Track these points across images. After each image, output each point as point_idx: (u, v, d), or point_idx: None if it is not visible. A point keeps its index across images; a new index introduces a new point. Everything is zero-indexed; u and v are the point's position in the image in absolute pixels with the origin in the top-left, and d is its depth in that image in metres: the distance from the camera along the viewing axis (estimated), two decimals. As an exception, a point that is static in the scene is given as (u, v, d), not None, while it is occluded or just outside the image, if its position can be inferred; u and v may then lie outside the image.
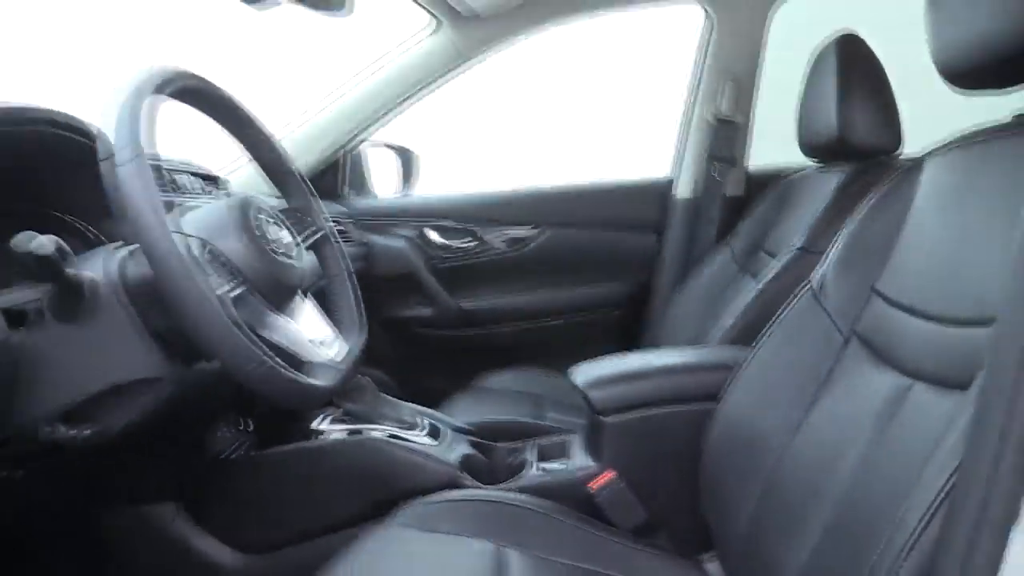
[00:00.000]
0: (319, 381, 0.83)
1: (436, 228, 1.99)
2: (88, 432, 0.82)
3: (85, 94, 1.08)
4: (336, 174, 1.98)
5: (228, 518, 1.20)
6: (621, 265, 1.98)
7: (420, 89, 1.84)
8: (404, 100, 1.85)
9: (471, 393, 1.73)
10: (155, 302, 0.79)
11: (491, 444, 1.35)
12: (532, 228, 1.98)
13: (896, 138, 1.36)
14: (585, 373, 1.22)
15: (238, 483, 1.21)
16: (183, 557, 1.19)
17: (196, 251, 0.76)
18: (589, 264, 1.99)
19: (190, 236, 0.76)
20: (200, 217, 0.84)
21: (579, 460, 1.19)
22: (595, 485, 1.12)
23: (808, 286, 1.02)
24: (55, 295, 0.78)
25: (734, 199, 1.87)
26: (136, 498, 1.17)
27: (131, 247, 0.88)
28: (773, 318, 1.05)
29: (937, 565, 0.54)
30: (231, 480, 1.21)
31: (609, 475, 1.12)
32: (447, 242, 1.99)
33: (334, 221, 1.39)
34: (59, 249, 0.72)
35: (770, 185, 1.72)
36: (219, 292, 0.77)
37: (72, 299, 0.77)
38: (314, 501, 1.17)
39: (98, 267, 0.82)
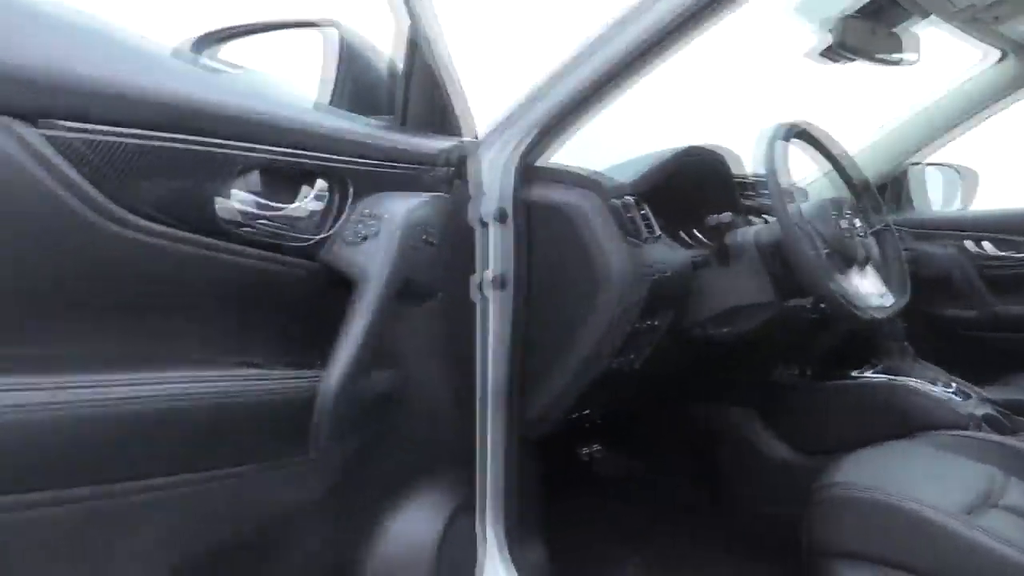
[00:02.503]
0: (872, 314, 1.29)
1: (990, 240, 2.20)
2: (724, 331, 1.41)
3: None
4: (892, 189, 2.34)
5: (789, 426, 1.71)
6: None
7: (975, 114, 2.09)
8: (958, 124, 2.13)
9: (1001, 382, 1.93)
10: (774, 256, 1.34)
11: (1011, 415, 1.59)
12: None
13: None
14: None
15: (798, 402, 1.72)
16: (754, 449, 1.74)
17: (803, 227, 1.28)
18: None
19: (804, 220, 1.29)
20: (808, 208, 1.37)
21: None
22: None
23: None
24: (720, 249, 1.38)
25: None
26: (727, 399, 1.76)
27: (757, 227, 1.45)
28: None
29: None
30: (794, 400, 1.73)
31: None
32: (998, 252, 2.18)
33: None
34: (727, 222, 1.32)
35: None
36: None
37: (730, 252, 1.37)
38: (851, 422, 1.60)
39: (740, 235, 1.40)
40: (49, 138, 0.56)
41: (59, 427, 0.55)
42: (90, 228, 0.59)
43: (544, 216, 1.30)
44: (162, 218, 0.64)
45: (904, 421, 1.54)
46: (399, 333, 0.86)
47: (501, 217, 1.27)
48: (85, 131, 0.58)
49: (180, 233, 0.65)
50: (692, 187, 1.52)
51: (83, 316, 0.60)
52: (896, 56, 1.68)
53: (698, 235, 1.54)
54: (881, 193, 2.27)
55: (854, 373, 1.70)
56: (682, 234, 1.57)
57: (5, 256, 0.55)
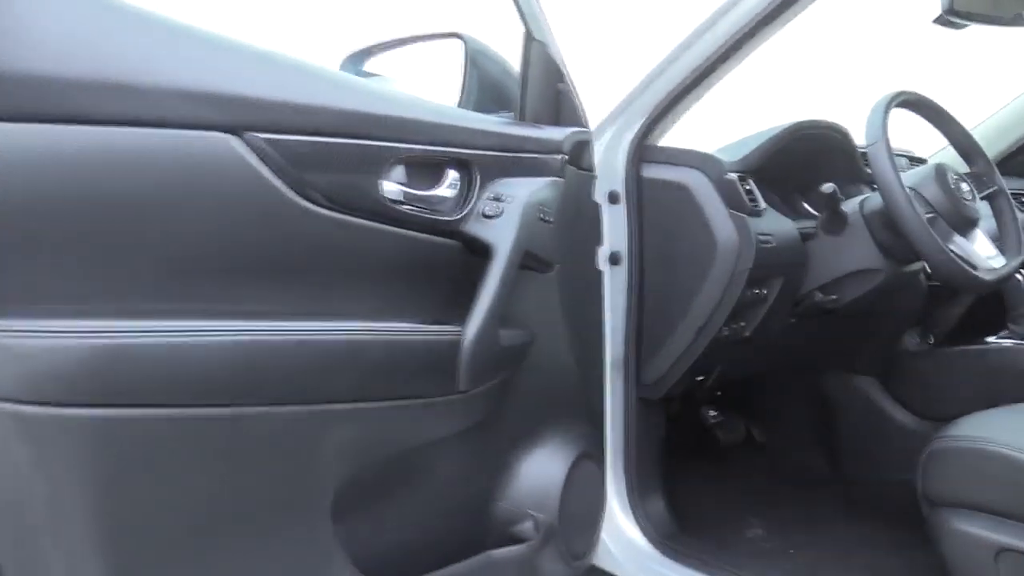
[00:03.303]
0: (981, 275, 1.32)
1: None
2: (834, 298, 1.47)
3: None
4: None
5: (913, 393, 1.73)
6: None
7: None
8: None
9: None
10: (881, 224, 1.39)
11: None
12: None
13: None
14: None
15: (923, 369, 1.74)
16: (877, 416, 1.77)
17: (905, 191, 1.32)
18: None
19: (907, 186, 1.33)
20: (913, 174, 1.41)
21: None
22: None
23: None
24: (827, 219, 1.44)
25: None
26: (849, 368, 1.80)
27: (864, 196, 1.49)
28: None
29: None
30: (918, 366, 1.75)
31: None
32: None
33: (1018, 191, 1.78)
34: (830, 193, 1.38)
35: None
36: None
37: (837, 221, 1.43)
38: (978, 387, 1.61)
39: (847, 204, 1.46)
40: (249, 145, 0.74)
41: (269, 360, 0.73)
42: (281, 215, 0.77)
43: (657, 194, 1.41)
44: (333, 205, 0.81)
45: None
46: (524, 298, 1.00)
47: (612, 199, 1.39)
48: (274, 139, 0.76)
49: (347, 217, 0.82)
50: (810, 160, 1.59)
51: (279, 281, 0.78)
52: (1012, 16, 1.66)
53: (806, 207, 1.61)
54: (1012, 160, 2.22)
55: (989, 339, 1.71)
56: (805, 205, 1.63)
57: (223, 236, 0.74)
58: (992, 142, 2.22)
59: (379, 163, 0.85)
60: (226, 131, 0.72)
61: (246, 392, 0.71)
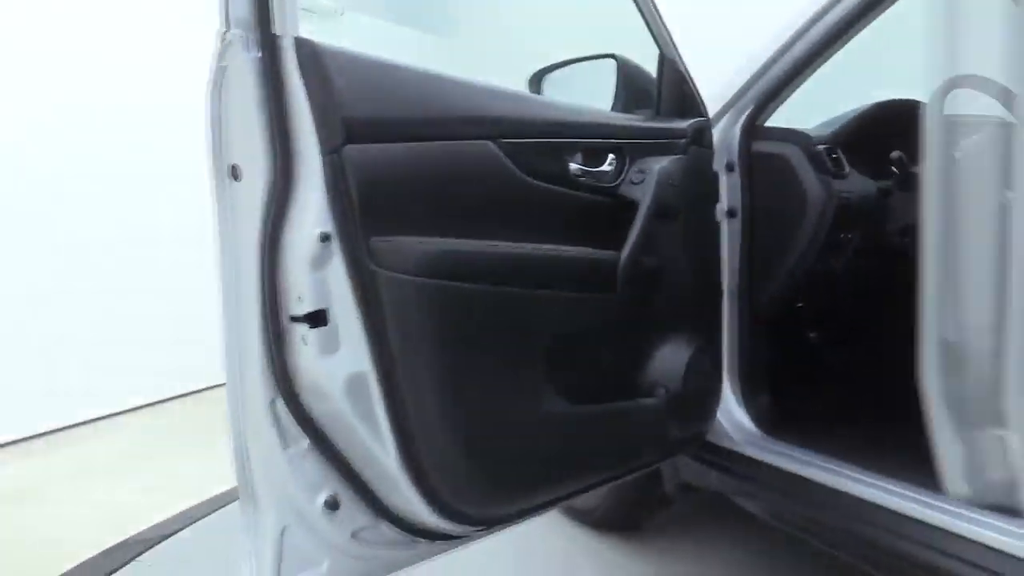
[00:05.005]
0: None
1: None
2: (907, 241, 1.87)
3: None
4: None
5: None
6: None
7: None
8: None
9: None
10: None
11: None
12: None
13: None
14: None
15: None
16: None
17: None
18: None
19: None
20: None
21: None
22: None
23: None
24: (899, 179, 1.85)
25: None
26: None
27: None
28: None
29: None
30: None
31: None
32: None
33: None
34: (901, 157, 1.79)
35: None
36: None
37: (907, 180, 1.83)
38: None
39: (917, 167, 1.85)
40: (498, 147, 1.30)
41: (517, 262, 1.30)
42: (515, 186, 1.33)
43: (763, 163, 1.87)
44: (542, 179, 1.36)
45: None
46: (658, 236, 1.52)
47: (729, 168, 1.87)
48: (509, 141, 1.32)
49: (550, 186, 1.37)
50: (893, 130, 1.98)
51: (517, 221, 1.34)
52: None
53: (893, 168, 2.01)
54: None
55: None
56: (893, 168, 2.03)
57: (490, 196, 1.30)
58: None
59: (567, 152, 1.40)
60: (488, 139, 1.28)
61: (507, 278, 1.28)
